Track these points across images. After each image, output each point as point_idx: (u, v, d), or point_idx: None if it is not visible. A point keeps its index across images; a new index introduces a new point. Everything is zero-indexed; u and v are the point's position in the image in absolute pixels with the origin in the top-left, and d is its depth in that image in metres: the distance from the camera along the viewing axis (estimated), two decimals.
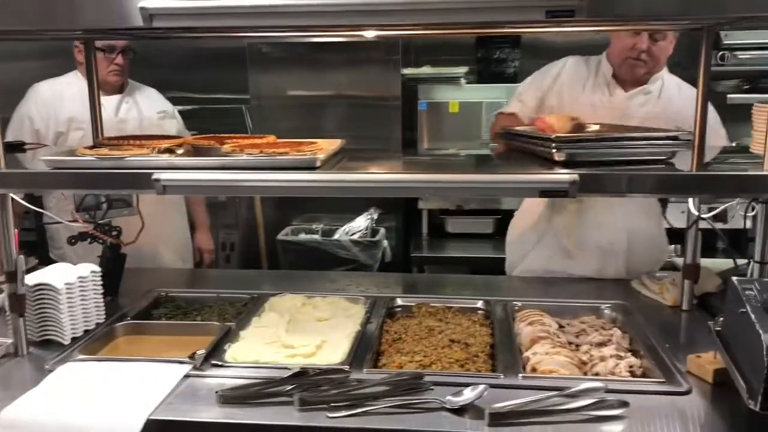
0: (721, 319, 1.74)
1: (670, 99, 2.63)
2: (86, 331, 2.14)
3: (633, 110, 2.60)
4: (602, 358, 1.90)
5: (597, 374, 1.84)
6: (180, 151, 2.00)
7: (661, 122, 2.41)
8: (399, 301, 2.39)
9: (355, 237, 4.05)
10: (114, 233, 2.45)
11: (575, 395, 1.65)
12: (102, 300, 2.23)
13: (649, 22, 2.09)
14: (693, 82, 2.07)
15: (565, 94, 2.56)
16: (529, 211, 2.86)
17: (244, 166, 1.86)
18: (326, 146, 2.04)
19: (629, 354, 1.94)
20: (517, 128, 2.27)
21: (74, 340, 2.08)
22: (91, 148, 2.09)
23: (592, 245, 2.69)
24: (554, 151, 1.82)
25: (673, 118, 2.48)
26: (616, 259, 2.71)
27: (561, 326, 2.15)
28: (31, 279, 2.07)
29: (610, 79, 2.67)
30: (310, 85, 4.29)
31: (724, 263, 2.49)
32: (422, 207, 4.26)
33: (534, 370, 1.85)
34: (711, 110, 2.53)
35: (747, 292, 1.60)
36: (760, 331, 1.46)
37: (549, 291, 2.52)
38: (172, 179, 1.80)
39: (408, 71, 4.37)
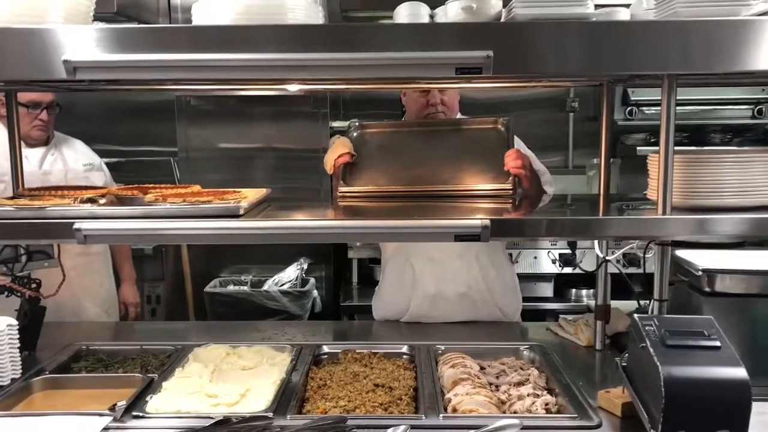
0: (627, 354, 1.85)
1: None
2: (0, 387, 2.07)
3: None
4: (520, 397, 1.97)
5: (515, 412, 1.91)
6: (102, 201, 2.00)
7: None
8: (325, 348, 2.41)
9: (285, 287, 4.06)
10: (33, 286, 2.40)
11: None
12: (18, 355, 2.16)
13: (551, 79, 2.25)
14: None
15: None
16: (393, 264, 2.93)
17: (167, 214, 1.88)
18: (251, 195, 2.09)
19: (545, 392, 2.02)
20: None
21: None
22: (10, 198, 2.07)
23: (452, 289, 2.77)
24: None
25: None
26: (483, 299, 2.80)
27: (482, 368, 2.21)
28: None
29: None
30: (239, 137, 4.34)
31: (635, 305, 2.62)
32: (352, 256, 4.30)
33: (455, 410, 1.90)
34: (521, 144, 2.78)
35: (647, 328, 1.71)
36: (658, 364, 1.57)
37: (471, 334, 2.60)
38: (93, 228, 1.79)
39: (336, 124, 4.48)
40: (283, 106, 4.26)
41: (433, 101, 2.71)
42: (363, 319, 4.05)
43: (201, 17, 1.77)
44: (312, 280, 4.21)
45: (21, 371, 2.16)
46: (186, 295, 4.35)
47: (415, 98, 2.76)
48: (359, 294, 4.28)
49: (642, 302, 2.23)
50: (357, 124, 2.60)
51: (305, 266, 4.23)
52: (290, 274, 4.18)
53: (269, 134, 4.31)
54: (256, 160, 4.33)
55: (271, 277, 4.19)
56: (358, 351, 2.37)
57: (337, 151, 2.44)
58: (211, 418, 1.80)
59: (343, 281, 4.44)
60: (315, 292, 4.15)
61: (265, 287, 4.08)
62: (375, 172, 2.43)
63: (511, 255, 4.06)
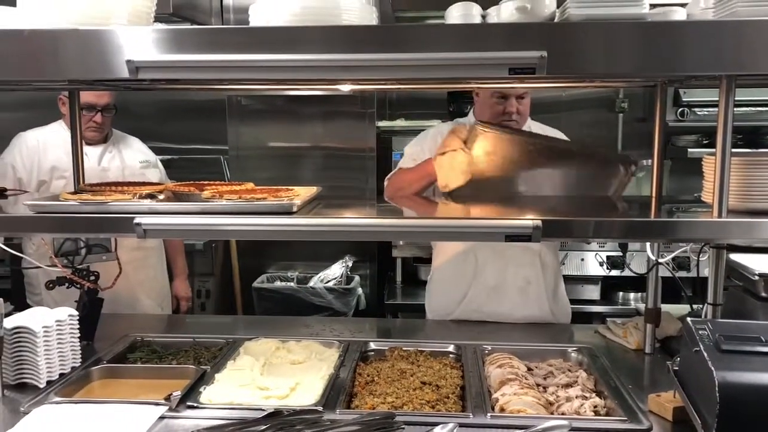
0: (679, 359, 1.82)
1: None
2: (61, 375, 2.15)
3: None
4: (568, 399, 1.97)
5: (563, 414, 1.90)
6: (161, 197, 2.07)
7: None
8: (372, 345, 2.44)
9: (330, 284, 4.10)
10: (92, 278, 2.48)
11: None
12: (78, 344, 2.25)
13: (604, 79, 2.23)
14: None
15: None
16: (453, 253, 2.92)
17: (223, 211, 1.93)
18: (303, 193, 2.13)
19: (594, 395, 2.01)
20: None
21: (49, 383, 2.10)
22: (73, 193, 2.15)
23: (512, 283, 2.79)
24: None
25: None
26: (539, 298, 2.81)
27: (529, 369, 2.21)
28: (9, 322, 2.09)
29: None
30: (287, 136, 4.40)
31: (685, 308, 2.58)
32: (396, 255, 4.33)
33: (502, 410, 1.91)
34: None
35: (700, 332, 1.68)
36: (712, 368, 1.55)
37: (518, 335, 2.59)
38: (153, 223, 1.86)
39: (383, 124, 4.51)
40: (331, 105, 4.31)
41: (510, 109, 2.66)
42: (407, 318, 4.08)
43: (258, 18, 1.81)
44: (357, 278, 4.25)
45: (81, 360, 2.25)
46: (234, 289, 4.44)
47: (491, 104, 2.70)
48: (403, 292, 4.30)
49: (695, 306, 2.20)
50: (471, 125, 2.50)
51: (350, 264, 4.27)
52: (335, 271, 4.22)
53: (317, 133, 4.37)
54: (304, 159, 4.39)
55: (317, 274, 4.24)
56: (404, 348, 2.39)
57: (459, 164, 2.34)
58: (263, 410, 1.84)
59: (387, 280, 4.47)
60: (359, 290, 4.19)
61: (311, 284, 4.14)
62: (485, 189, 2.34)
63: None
